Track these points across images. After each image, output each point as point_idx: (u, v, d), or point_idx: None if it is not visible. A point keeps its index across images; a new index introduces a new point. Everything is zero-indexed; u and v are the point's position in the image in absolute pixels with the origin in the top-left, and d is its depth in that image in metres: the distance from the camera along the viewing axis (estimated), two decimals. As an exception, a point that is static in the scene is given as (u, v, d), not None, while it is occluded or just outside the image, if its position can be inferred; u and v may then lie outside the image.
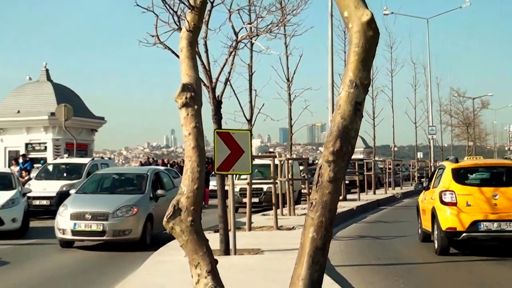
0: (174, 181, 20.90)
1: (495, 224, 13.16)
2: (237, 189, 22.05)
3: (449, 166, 14.67)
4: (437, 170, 16.65)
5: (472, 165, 15.46)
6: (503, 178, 14.58)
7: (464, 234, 13.29)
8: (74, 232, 14.72)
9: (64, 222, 14.85)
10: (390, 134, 46.07)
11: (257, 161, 24.84)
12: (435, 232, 14.05)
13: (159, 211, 15.25)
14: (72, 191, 25.08)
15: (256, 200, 23.96)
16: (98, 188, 17.46)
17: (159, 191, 16.66)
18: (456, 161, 14.98)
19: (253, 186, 20.83)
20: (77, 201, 15.92)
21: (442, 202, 13.68)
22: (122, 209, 15.00)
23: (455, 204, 13.44)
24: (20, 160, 28.81)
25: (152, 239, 15.67)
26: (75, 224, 14.66)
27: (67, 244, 15.21)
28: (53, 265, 13.68)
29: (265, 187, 24.36)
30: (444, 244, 13.69)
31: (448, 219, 13.44)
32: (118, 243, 15.22)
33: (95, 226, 14.64)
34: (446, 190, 13.78)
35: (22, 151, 35.23)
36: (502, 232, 13.30)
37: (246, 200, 19.36)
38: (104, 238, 14.85)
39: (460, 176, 14.30)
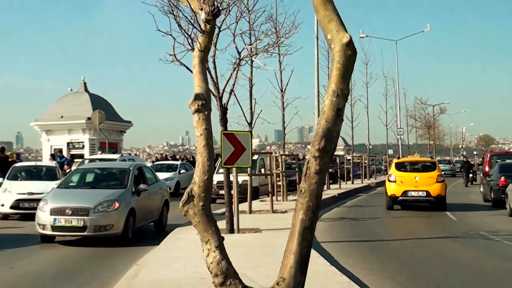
0: (191, 172, 19.64)
1: (416, 192, 19.68)
2: (214, 182, 19.00)
3: (394, 160, 23.11)
4: (391, 163, 25.53)
5: (406, 160, 22.90)
6: (421, 167, 21.33)
7: (400, 198, 19.88)
8: (54, 228, 12.27)
9: (44, 217, 12.33)
10: (366, 135, 46.28)
11: None
12: (386, 198, 20.47)
13: (141, 205, 13.62)
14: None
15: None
16: (80, 183, 14.39)
17: (142, 186, 13.83)
18: (399, 157, 24.39)
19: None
20: (57, 196, 13.24)
21: (389, 180, 20.35)
22: (103, 204, 12.38)
23: (395, 181, 19.98)
24: (58, 156, 28.74)
25: (134, 233, 13.16)
26: (55, 219, 12.19)
27: (47, 239, 12.74)
28: (93, 243, 13.03)
29: (240, 180, 20.00)
30: (390, 204, 20.09)
31: (391, 190, 20.00)
32: (100, 238, 12.64)
33: (75, 221, 12.19)
34: (391, 174, 20.69)
35: (65, 149, 35.51)
36: (419, 197, 19.80)
37: (222, 192, 17.26)
38: (85, 233, 12.28)
39: (399, 166, 21.08)
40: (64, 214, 12.23)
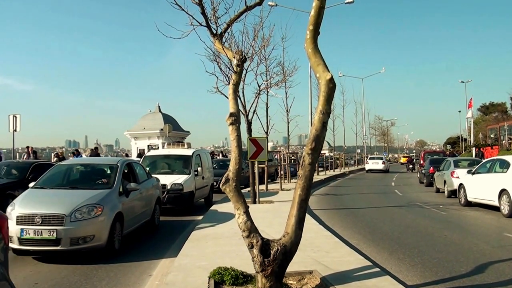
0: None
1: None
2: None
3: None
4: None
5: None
6: None
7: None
8: (22, 241, 6.50)
9: (10, 226, 5.71)
10: (342, 140, 45.90)
11: (163, 152, 15.05)
12: None
13: (131, 207, 8.03)
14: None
15: None
16: (59, 182, 8.10)
17: (131, 184, 8.16)
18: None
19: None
20: (28, 199, 7.16)
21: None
22: (82, 210, 6.72)
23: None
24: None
25: (122, 240, 7.52)
26: (22, 230, 6.49)
27: (21, 252, 6.77)
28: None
29: (168, 183, 11.77)
30: None
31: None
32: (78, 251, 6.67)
33: (46, 233, 6.45)
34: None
35: (146, 150, 35.96)
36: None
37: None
38: (59, 248, 6.44)
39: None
40: (33, 223, 6.56)
